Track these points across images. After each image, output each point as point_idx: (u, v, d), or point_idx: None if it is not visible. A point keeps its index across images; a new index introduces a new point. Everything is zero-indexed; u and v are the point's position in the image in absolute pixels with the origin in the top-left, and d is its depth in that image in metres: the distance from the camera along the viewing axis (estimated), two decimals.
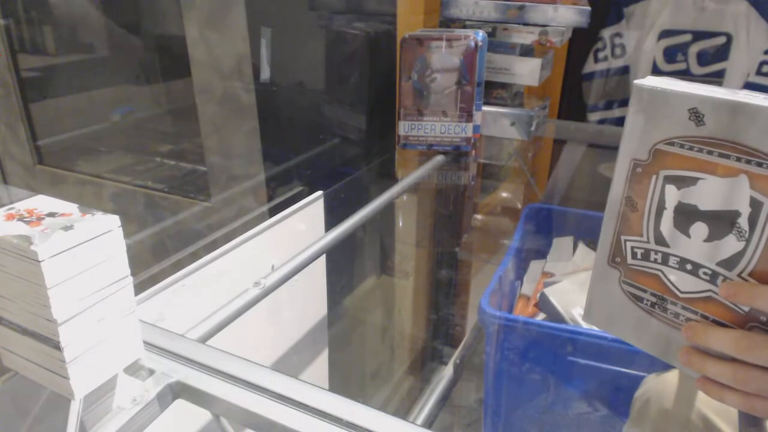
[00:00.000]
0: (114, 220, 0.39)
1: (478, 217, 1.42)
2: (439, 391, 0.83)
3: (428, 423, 0.79)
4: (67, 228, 0.37)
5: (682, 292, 0.45)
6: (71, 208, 0.40)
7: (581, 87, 1.33)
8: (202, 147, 1.39)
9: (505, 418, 0.96)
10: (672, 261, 0.45)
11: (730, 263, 0.42)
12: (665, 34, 1.21)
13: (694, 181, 0.42)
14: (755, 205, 0.40)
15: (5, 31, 1.63)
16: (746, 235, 0.40)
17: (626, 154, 0.46)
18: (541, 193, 1.33)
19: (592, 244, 1.11)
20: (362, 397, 0.59)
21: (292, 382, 0.42)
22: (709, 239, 0.42)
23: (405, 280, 1.43)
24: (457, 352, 0.93)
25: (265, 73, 1.28)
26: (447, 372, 0.87)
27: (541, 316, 0.95)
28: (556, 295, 0.92)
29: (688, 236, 0.43)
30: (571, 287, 0.94)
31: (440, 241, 1.41)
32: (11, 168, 1.78)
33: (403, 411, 1.43)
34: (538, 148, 1.34)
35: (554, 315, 0.91)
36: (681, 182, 0.43)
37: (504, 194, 1.46)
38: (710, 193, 0.42)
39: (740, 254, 0.41)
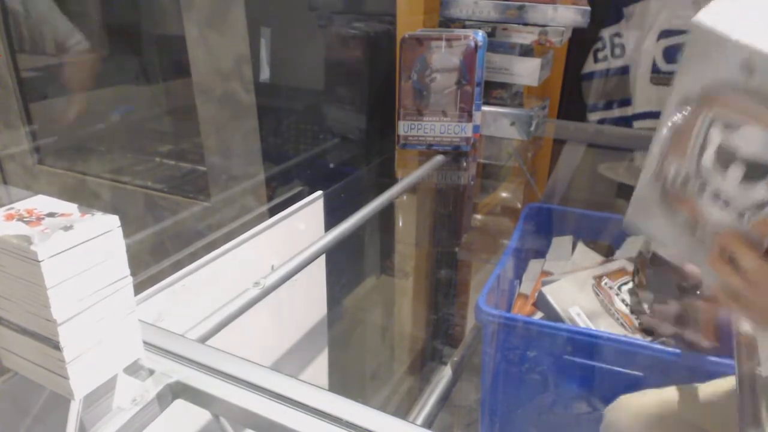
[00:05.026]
0: (113, 220, 0.39)
1: (478, 217, 1.42)
2: (439, 391, 0.83)
3: (428, 423, 0.79)
4: (67, 228, 0.37)
5: (711, 222, 0.48)
6: (71, 208, 0.40)
7: (581, 87, 1.33)
8: (201, 147, 1.39)
9: (503, 418, 0.96)
10: (707, 192, 0.47)
11: (758, 208, 0.44)
12: (665, 34, 1.21)
13: (738, 126, 0.44)
14: None
15: (5, 31, 1.63)
16: None
17: (680, 87, 0.47)
18: (541, 192, 1.33)
19: (591, 243, 1.11)
20: (362, 397, 0.59)
21: (292, 382, 0.42)
22: (743, 182, 0.44)
23: (405, 280, 1.43)
24: (456, 352, 0.94)
25: (265, 73, 1.28)
26: (446, 372, 0.87)
27: (539, 315, 0.95)
28: (554, 293, 0.92)
29: (726, 174, 0.45)
30: (569, 286, 0.94)
31: (440, 241, 1.41)
32: (11, 168, 1.78)
33: (403, 411, 1.43)
34: (537, 148, 1.34)
35: (552, 314, 0.91)
36: (726, 125, 0.44)
37: (504, 194, 1.46)
38: (752, 140, 0.43)
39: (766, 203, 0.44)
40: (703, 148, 0.47)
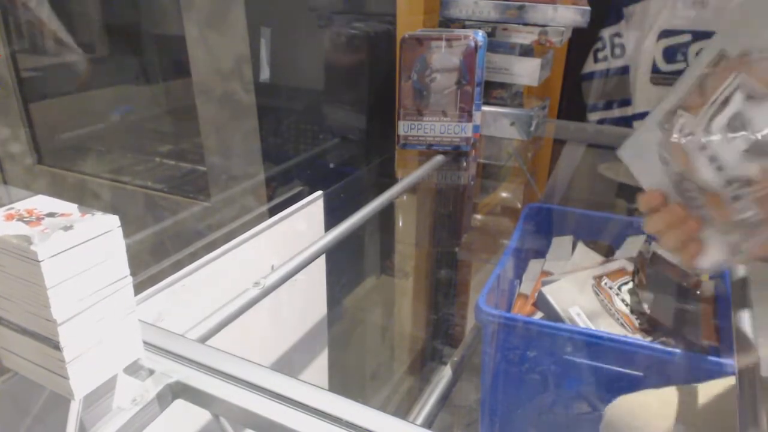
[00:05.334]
0: (113, 220, 0.39)
1: (478, 217, 1.42)
2: (439, 391, 0.83)
3: (428, 423, 0.79)
4: (67, 228, 0.37)
5: (699, 179, 0.50)
6: (71, 208, 0.40)
7: (581, 87, 1.33)
8: (201, 147, 1.39)
9: (503, 418, 0.96)
10: (707, 152, 0.48)
11: (746, 184, 0.47)
12: (665, 34, 1.21)
13: (762, 100, 0.44)
14: None
15: (5, 31, 1.63)
16: None
17: (722, 41, 0.47)
18: (541, 192, 1.33)
19: (591, 243, 1.11)
20: (362, 397, 0.59)
21: (292, 382, 0.42)
22: (744, 154, 0.46)
23: (405, 280, 1.43)
24: (456, 352, 0.93)
25: (265, 73, 1.28)
26: (446, 372, 0.87)
27: (539, 315, 0.95)
28: (554, 293, 0.92)
29: (731, 140, 0.46)
30: (569, 286, 0.94)
31: (440, 241, 1.41)
32: (11, 168, 1.78)
33: (403, 411, 1.43)
34: (537, 148, 1.34)
35: (552, 314, 0.91)
36: (751, 95, 0.45)
37: (504, 194, 1.46)
38: (766, 120, 0.44)
39: (759, 181, 0.46)
40: (720, 109, 0.47)
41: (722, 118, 0.47)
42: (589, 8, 1.01)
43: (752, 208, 0.47)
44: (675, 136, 0.51)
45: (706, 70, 0.48)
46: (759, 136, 0.45)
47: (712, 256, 0.53)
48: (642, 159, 0.56)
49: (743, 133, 0.45)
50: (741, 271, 0.70)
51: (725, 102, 0.47)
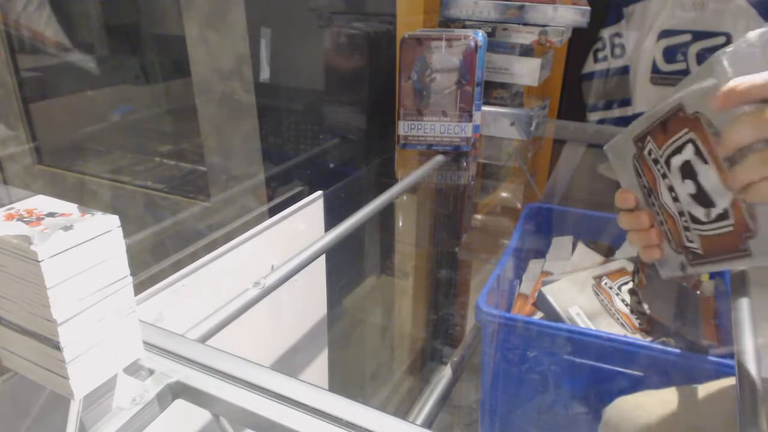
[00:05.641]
0: (113, 220, 0.39)
1: (478, 217, 1.42)
2: (439, 391, 0.83)
3: (428, 423, 0.79)
4: (67, 228, 0.37)
5: (662, 199, 0.55)
6: (71, 208, 0.40)
7: (581, 87, 1.33)
8: (201, 147, 1.39)
9: (503, 418, 0.96)
10: (666, 181, 0.53)
11: (693, 221, 0.52)
12: (665, 34, 1.21)
13: (705, 158, 0.47)
14: (726, 212, 0.47)
15: (4, 32, 1.63)
16: (710, 220, 0.49)
17: (682, 95, 0.49)
18: (541, 192, 1.33)
19: (592, 243, 1.11)
20: (362, 397, 0.59)
21: (291, 382, 0.42)
22: (691, 196, 0.51)
23: (405, 280, 1.43)
24: (456, 352, 0.93)
25: (265, 73, 1.28)
26: (446, 372, 0.87)
27: (539, 315, 0.95)
28: (554, 293, 0.92)
29: (682, 181, 0.51)
30: (569, 286, 0.94)
31: (440, 241, 1.41)
32: (11, 168, 1.78)
33: (403, 411, 1.43)
34: (537, 148, 1.34)
35: (552, 314, 0.91)
36: (698, 152, 0.48)
37: (504, 194, 1.46)
38: (708, 177, 0.48)
39: (701, 223, 0.51)
40: (676, 151, 0.51)
41: (677, 160, 0.51)
42: (589, 8, 1.02)
43: (696, 242, 0.52)
44: (646, 154, 0.56)
45: (669, 111, 0.50)
46: (703, 188, 0.49)
47: (668, 268, 0.59)
48: (623, 161, 0.59)
49: (691, 180, 0.50)
50: (740, 270, 0.70)
51: (678, 148, 0.50)
